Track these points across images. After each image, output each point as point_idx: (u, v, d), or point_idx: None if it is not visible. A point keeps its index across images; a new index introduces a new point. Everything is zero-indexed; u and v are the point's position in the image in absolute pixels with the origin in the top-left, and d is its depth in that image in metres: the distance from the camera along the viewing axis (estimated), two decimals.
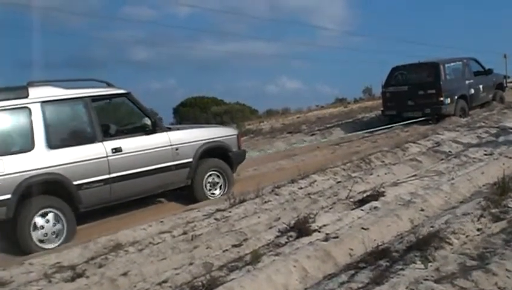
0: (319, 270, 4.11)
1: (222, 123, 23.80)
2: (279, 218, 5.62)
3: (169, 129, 7.31)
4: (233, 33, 55.51)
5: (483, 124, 11.25)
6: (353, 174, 7.62)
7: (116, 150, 6.52)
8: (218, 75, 59.51)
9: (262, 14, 57.48)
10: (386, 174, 7.29)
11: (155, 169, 6.84)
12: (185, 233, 5.54)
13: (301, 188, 7.06)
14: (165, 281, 4.21)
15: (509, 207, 4.96)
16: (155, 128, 6.97)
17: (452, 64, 14.12)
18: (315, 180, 7.35)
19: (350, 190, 6.32)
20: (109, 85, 6.97)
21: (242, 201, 6.50)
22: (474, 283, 3.39)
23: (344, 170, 7.94)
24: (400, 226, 4.90)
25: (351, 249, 4.42)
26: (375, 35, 57.78)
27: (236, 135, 8.09)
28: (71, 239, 5.95)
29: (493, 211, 4.82)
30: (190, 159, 7.23)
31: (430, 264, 3.79)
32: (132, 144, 6.72)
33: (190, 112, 31.26)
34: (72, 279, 4.52)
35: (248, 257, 4.53)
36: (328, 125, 15.39)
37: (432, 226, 4.55)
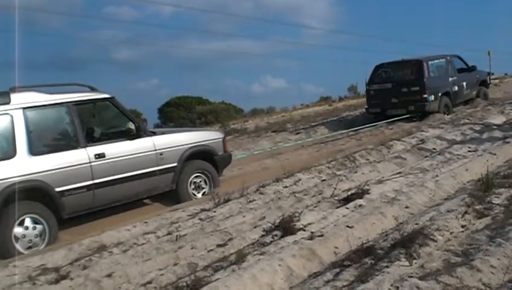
0: (304, 269, 4.11)
1: (207, 123, 23.81)
2: (264, 217, 5.61)
3: (153, 134, 7.24)
4: (218, 32, 55.55)
5: (467, 120, 11.33)
6: (338, 173, 7.63)
7: (100, 156, 6.44)
8: (203, 75, 59.52)
9: (247, 13, 57.50)
10: (370, 171, 7.32)
11: (139, 174, 6.79)
12: (169, 233, 5.50)
13: (286, 187, 7.05)
14: (149, 282, 4.19)
15: (493, 203, 5.01)
16: (139, 133, 6.92)
17: (435, 61, 14.18)
18: (300, 179, 7.34)
19: (335, 188, 6.34)
20: (92, 89, 6.90)
21: (227, 201, 6.47)
22: (459, 279, 3.41)
23: (329, 168, 7.95)
24: (384, 224, 4.92)
25: (336, 248, 4.43)
26: (360, 33, 58.11)
27: (222, 138, 8.04)
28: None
29: (477, 207, 4.87)
30: (175, 164, 7.18)
31: (414, 261, 3.80)
32: (116, 150, 6.64)
33: (175, 112, 31.19)
34: (56, 281, 4.47)
35: (233, 257, 4.51)
36: (313, 124, 15.42)
37: (416, 223, 4.57)
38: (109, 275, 4.42)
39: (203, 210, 6.27)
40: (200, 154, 7.55)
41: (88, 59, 52.83)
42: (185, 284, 3.93)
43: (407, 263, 3.76)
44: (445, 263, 3.71)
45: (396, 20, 61.85)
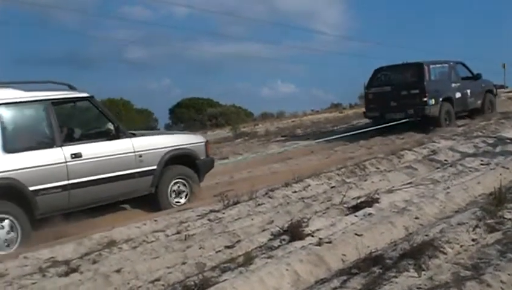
0: (311, 274, 4.10)
1: (217, 125, 23.88)
2: (273, 221, 5.62)
3: (133, 135, 7.10)
4: (231, 35, 55.60)
5: (480, 133, 11.17)
6: (347, 180, 7.62)
7: (76, 156, 6.33)
8: (214, 77, 59.61)
9: (259, 17, 57.58)
10: (380, 180, 7.29)
11: (117, 176, 6.67)
12: (178, 232, 5.53)
13: (295, 192, 7.05)
14: (157, 279, 4.20)
15: (505, 218, 4.96)
16: (118, 133, 6.80)
17: (437, 66, 13.86)
18: (309, 185, 7.34)
19: (344, 196, 6.32)
20: (71, 88, 6.79)
21: (236, 203, 6.48)
22: None
23: (338, 175, 7.94)
24: (393, 234, 4.89)
25: (344, 255, 4.41)
26: (373, 40, 57.93)
27: (204, 142, 7.89)
28: (26, 246, 5.65)
29: (489, 221, 4.82)
30: (154, 167, 7.05)
31: (423, 272, 3.78)
32: (93, 150, 6.53)
33: (185, 113, 31.34)
34: (66, 274, 4.51)
35: (241, 259, 4.51)
36: (323, 130, 15.42)
37: (426, 235, 4.54)
38: (118, 271, 4.44)
39: (212, 211, 6.29)
40: (181, 158, 7.42)
41: (101, 58, 53.11)
42: (192, 283, 3.94)
43: (415, 274, 3.74)
44: (454, 276, 3.68)
45: (410, 28, 61.64)
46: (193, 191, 7.43)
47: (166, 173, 7.18)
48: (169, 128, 28.40)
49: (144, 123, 29.07)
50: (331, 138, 13.07)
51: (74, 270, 4.56)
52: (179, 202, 7.33)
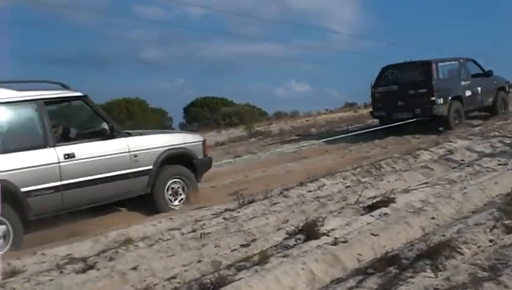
0: (327, 274, 4.10)
1: (231, 124, 23.91)
2: (288, 220, 5.62)
3: (128, 135, 6.95)
4: (245, 35, 55.43)
5: (497, 133, 11.07)
6: (363, 180, 7.60)
7: (69, 156, 6.19)
8: (228, 76, 59.62)
9: (273, 17, 57.48)
10: (396, 180, 7.26)
11: (111, 176, 6.53)
12: (193, 231, 5.55)
13: (310, 191, 7.05)
14: (173, 277, 4.22)
15: None
16: (113, 133, 6.67)
17: (446, 63, 13.53)
18: (324, 184, 7.33)
19: (360, 195, 6.31)
20: (65, 87, 6.67)
21: (251, 202, 6.49)
22: None
23: (354, 174, 7.92)
24: (410, 234, 4.88)
25: (360, 255, 4.40)
26: (387, 40, 57.50)
27: (201, 141, 7.73)
28: (18, 248, 5.57)
29: (506, 222, 4.78)
30: (150, 167, 6.91)
31: (440, 273, 3.77)
32: (87, 150, 6.40)
33: (200, 112, 31.43)
34: (83, 271, 4.54)
35: (256, 258, 4.52)
36: (337, 129, 15.38)
37: (443, 235, 4.51)
38: (134, 268, 4.47)
39: (227, 210, 6.31)
40: (177, 157, 7.28)
41: (115, 57, 53.27)
42: (208, 281, 3.94)
43: (432, 275, 3.73)
44: (471, 277, 3.66)
45: (425, 27, 61.11)
46: (191, 191, 7.30)
47: (162, 173, 7.05)
48: (184, 128, 28.48)
49: (159, 122, 29.20)
50: (338, 137, 12.96)
51: (91, 267, 4.60)
52: (176, 203, 7.18)
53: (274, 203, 6.48)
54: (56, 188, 6.07)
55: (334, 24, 61.03)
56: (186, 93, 58.82)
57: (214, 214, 6.22)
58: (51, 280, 4.41)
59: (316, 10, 59.98)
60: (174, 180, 7.19)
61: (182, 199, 7.24)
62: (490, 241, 4.43)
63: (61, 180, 6.10)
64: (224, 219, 5.99)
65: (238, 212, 6.18)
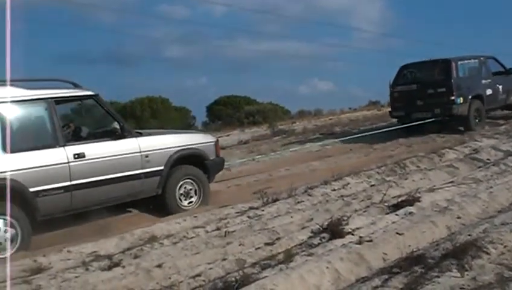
0: (352, 273, 4.09)
1: (254, 123, 23.91)
2: (312, 219, 5.61)
3: (139, 134, 6.85)
4: (268, 33, 55.52)
5: None
6: (387, 178, 7.55)
7: (79, 156, 6.08)
8: (251, 75, 59.65)
9: (297, 14, 57.32)
10: (421, 179, 7.20)
11: (121, 177, 6.42)
12: (218, 229, 5.58)
13: (334, 190, 7.03)
14: (198, 275, 4.25)
15: None
16: (124, 133, 6.55)
17: (466, 62, 13.25)
18: (348, 183, 7.31)
19: (384, 194, 6.27)
20: (76, 86, 6.58)
21: (275, 200, 6.50)
22: None
23: (378, 173, 7.88)
24: (435, 233, 4.84)
25: (385, 254, 4.39)
26: (412, 38, 57.01)
27: (214, 142, 7.58)
28: (26, 249, 5.50)
29: None
30: (161, 167, 6.78)
31: (466, 273, 3.74)
32: (97, 150, 6.30)
33: (223, 111, 31.51)
34: (109, 268, 4.59)
35: (281, 256, 4.54)
36: (361, 128, 15.29)
37: (469, 235, 4.48)
38: (159, 266, 4.52)
39: (251, 208, 6.33)
40: (189, 158, 7.14)
41: (140, 56, 53.67)
42: (233, 279, 3.97)
43: (458, 275, 3.70)
44: (498, 277, 3.63)
45: (452, 26, 60.32)
46: (204, 192, 7.19)
47: (174, 173, 6.93)
48: (207, 126, 28.59)
49: (182, 121, 29.37)
50: (362, 135, 12.84)
51: (116, 265, 4.64)
52: (187, 205, 7.05)
53: (298, 202, 6.47)
54: (65, 188, 5.98)
55: (358, 21, 60.72)
56: (209, 91, 59.21)
57: (238, 212, 6.24)
58: (76, 277, 4.46)
59: (339, 7, 59.76)
60: (186, 181, 7.08)
61: (193, 200, 7.12)
62: None
63: (70, 181, 6.00)
64: (248, 217, 6.00)
65: (263, 210, 6.19)
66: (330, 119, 22.05)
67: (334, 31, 67.18)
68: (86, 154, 6.16)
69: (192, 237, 5.39)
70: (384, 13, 60.06)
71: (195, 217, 6.12)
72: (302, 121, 22.64)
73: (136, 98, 29.42)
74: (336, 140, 13.20)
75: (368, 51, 56.82)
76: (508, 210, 5.36)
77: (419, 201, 5.84)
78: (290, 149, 12.32)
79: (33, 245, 5.60)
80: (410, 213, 5.50)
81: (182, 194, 7.02)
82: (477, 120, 12.79)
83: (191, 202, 7.09)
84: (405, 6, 61.02)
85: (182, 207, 6.97)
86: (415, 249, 4.32)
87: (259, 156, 11.61)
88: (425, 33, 58.28)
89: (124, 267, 4.59)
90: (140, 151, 6.62)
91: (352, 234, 4.92)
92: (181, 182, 7.01)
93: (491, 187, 6.35)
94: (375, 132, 12.93)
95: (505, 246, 4.25)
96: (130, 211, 6.94)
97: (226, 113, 30.91)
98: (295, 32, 58.32)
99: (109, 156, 6.36)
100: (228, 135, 18.22)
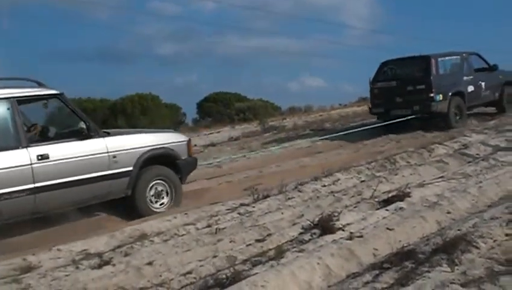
0: (343, 268, 4.10)
1: (245, 119, 23.88)
2: (303, 215, 5.61)
3: (107, 134, 6.65)
4: (258, 29, 55.37)
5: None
6: (377, 174, 7.58)
7: (43, 157, 5.88)
8: (241, 71, 59.56)
9: (286, 11, 57.29)
10: (411, 174, 7.23)
11: (88, 178, 6.23)
12: (208, 226, 5.56)
13: (324, 186, 7.04)
14: (189, 272, 4.24)
15: None
16: (90, 133, 6.36)
17: (447, 58, 13.15)
18: (339, 179, 7.32)
19: (375, 190, 6.30)
20: (40, 85, 6.37)
21: (265, 197, 6.50)
22: (502, 288, 3.34)
23: (368, 169, 7.90)
24: (425, 228, 4.86)
25: (376, 249, 4.39)
26: (401, 34, 57.01)
27: (186, 141, 7.40)
28: None
29: None
30: (130, 168, 6.59)
31: (456, 267, 3.74)
32: (62, 151, 6.09)
33: (213, 108, 31.43)
34: (99, 266, 4.57)
35: (271, 252, 4.54)
36: (351, 124, 15.32)
37: (459, 229, 4.49)
38: (150, 263, 4.49)
39: (242, 205, 6.32)
40: (160, 158, 6.98)
41: (131, 52, 53.37)
42: (224, 276, 3.97)
43: (448, 269, 3.71)
44: (487, 271, 3.64)
45: (442, 22, 60.40)
46: (176, 193, 7.04)
47: (143, 174, 6.76)
48: (197, 123, 28.51)
49: (172, 118, 29.24)
50: (352, 131, 12.86)
51: (107, 263, 4.62)
52: (158, 206, 6.90)
53: (289, 198, 6.48)
54: (29, 191, 5.77)
55: (348, 18, 60.75)
56: (199, 88, 58.90)
57: (228, 209, 6.23)
58: (66, 275, 4.43)
59: (329, 4, 59.73)
60: (157, 181, 6.92)
61: (164, 201, 6.97)
62: (506, 235, 4.38)
63: (34, 183, 5.80)
64: (239, 213, 6.00)
65: (253, 207, 6.18)
66: (320, 115, 22.05)
67: (324, 28, 66.95)
68: (50, 155, 5.97)
69: (182, 235, 5.37)
70: (374, 9, 60.07)
71: (186, 214, 6.10)
72: (293, 117, 22.62)
73: (126, 95, 29.26)
74: (326, 136, 13.19)
75: (358, 47, 56.73)
76: (498, 204, 5.38)
77: (409, 196, 5.86)
78: (270, 148, 12.26)
79: None
80: (401, 208, 5.51)
81: (152, 195, 6.86)
82: (457, 117, 12.68)
83: (162, 204, 6.94)
84: (394, 2, 61.02)
85: (153, 209, 6.82)
86: (405, 245, 4.33)
87: (252, 153, 11.61)
88: (415, 29, 58.29)
89: (114, 265, 4.57)
90: (107, 152, 6.45)
91: (343, 230, 4.93)
92: (151, 183, 6.85)
93: (481, 182, 6.38)
94: (365, 127, 12.96)
95: (494, 241, 4.26)
96: (98, 215, 6.74)
97: (216, 110, 30.82)
98: (285, 29, 58.20)
99: (75, 157, 6.18)
100: (219, 132, 18.19)
